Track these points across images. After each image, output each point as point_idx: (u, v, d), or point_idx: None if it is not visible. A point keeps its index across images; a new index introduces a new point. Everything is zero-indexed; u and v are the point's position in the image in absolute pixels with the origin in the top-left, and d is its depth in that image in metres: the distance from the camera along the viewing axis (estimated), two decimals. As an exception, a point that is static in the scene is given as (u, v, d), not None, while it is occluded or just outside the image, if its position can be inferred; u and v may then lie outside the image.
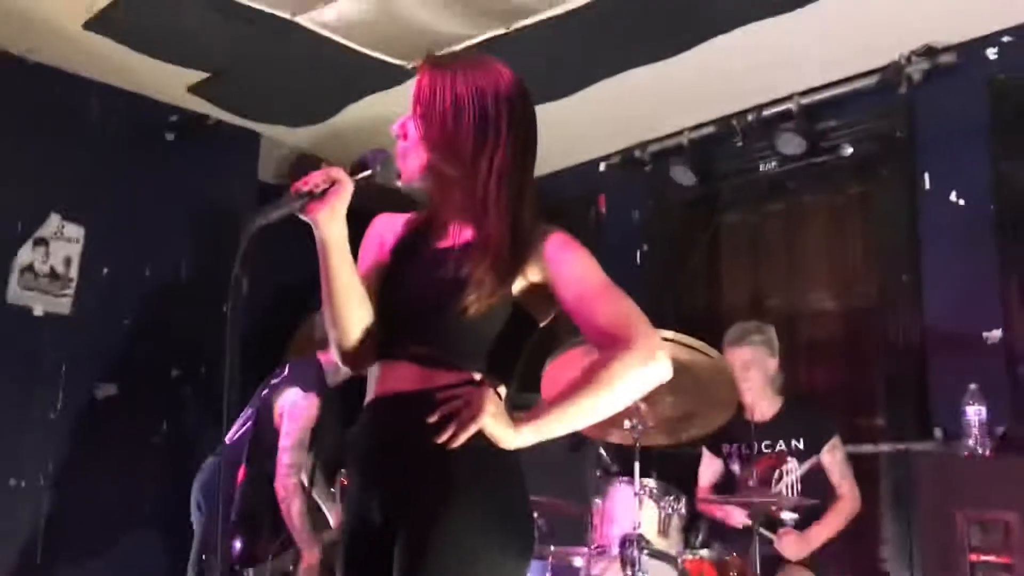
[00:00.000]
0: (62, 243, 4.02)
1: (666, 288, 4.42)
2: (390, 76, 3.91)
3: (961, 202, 3.58)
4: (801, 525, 3.18)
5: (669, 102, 4.14)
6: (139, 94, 4.25)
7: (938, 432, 3.40)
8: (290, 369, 3.44)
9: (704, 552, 3.08)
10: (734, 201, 4.43)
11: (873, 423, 3.82)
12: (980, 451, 2.94)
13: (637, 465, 2.89)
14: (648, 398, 2.78)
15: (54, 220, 4.01)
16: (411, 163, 1.68)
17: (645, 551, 2.80)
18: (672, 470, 3.40)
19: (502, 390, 1.65)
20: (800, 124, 3.91)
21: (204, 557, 3.21)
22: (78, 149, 4.08)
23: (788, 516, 3.14)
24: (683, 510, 3.06)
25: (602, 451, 3.35)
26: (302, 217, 1.59)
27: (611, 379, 1.55)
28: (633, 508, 2.86)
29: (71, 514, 3.90)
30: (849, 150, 3.92)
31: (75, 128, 4.09)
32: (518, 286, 1.64)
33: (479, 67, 1.69)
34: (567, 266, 1.63)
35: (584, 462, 3.50)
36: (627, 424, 2.90)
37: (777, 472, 3.29)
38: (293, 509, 3.20)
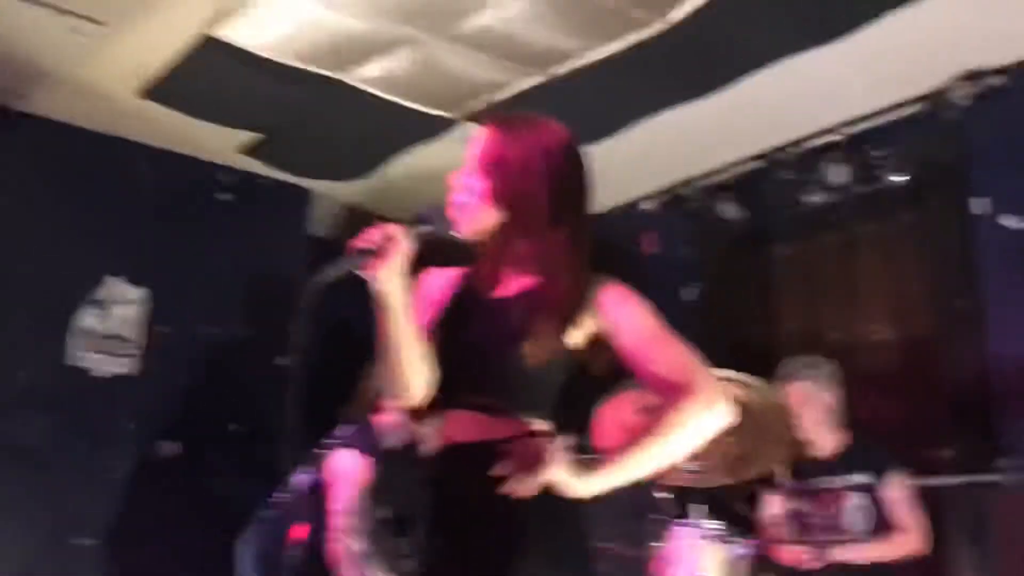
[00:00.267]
0: (121, 305, 4.12)
1: (719, 325, 4.38)
2: (433, 127, 3.97)
3: (1016, 225, 3.51)
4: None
5: (712, 138, 4.14)
6: (192, 157, 4.37)
7: (1007, 462, 3.31)
8: (344, 431, 3.47)
9: (771, 595, 3.02)
10: (784, 234, 4.39)
11: (938, 455, 3.72)
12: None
13: (698, 507, 2.85)
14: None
15: (113, 283, 4.12)
16: (475, 218, 1.71)
17: (710, 595, 2.76)
18: (734, 511, 3.35)
19: (565, 439, 1.65)
20: (847, 154, 3.89)
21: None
22: (135, 212, 4.20)
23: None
24: (747, 552, 3.01)
25: (662, 494, 3.31)
26: (361, 275, 1.61)
27: (673, 427, 1.58)
28: (696, 551, 2.82)
29: (137, 572, 3.94)
30: (898, 178, 3.87)
31: (132, 192, 4.22)
32: (577, 336, 1.66)
33: (538, 126, 1.76)
34: (623, 316, 1.66)
35: (644, 506, 3.46)
36: (686, 465, 2.87)
37: (841, 508, 3.22)
38: (345, 573, 3.20)
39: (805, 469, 3.20)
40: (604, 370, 1.73)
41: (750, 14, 3.19)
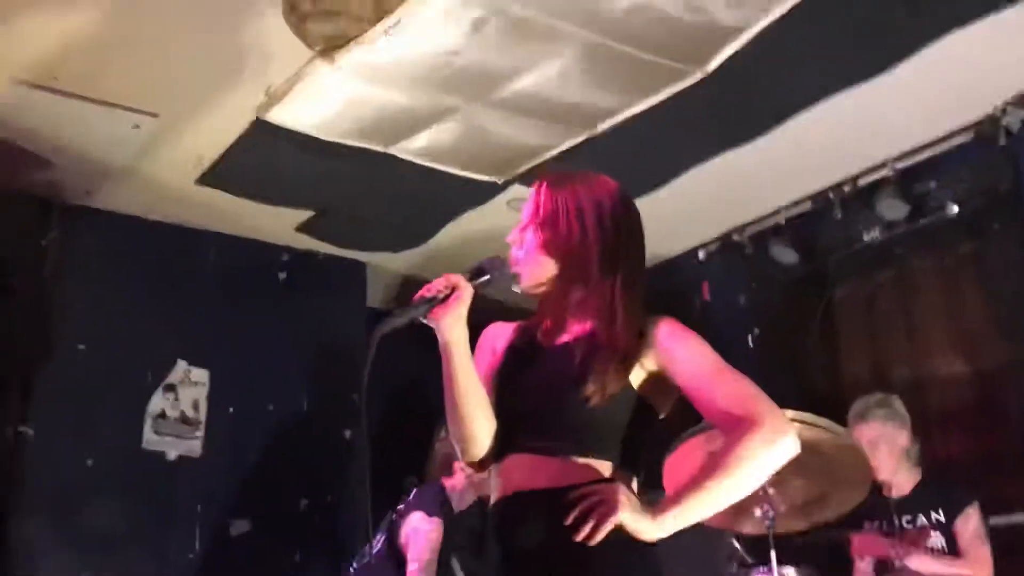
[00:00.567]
0: (189, 388, 4.22)
1: (782, 369, 4.31)
2: (483, 193, 4.04)
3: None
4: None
5: (761, 183, 4.13)
6: (251, 238, 4.49)
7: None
8: (415, 493, 3.48)
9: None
10: (842, 274, 4.33)
11: (1017, 490, 3.59)
12: None
13: (773, 554, 2.78)
14: (777, 482, 2.70)
15: (181, 366, 4.23)
16: (534, 270, 1.77)
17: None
18: (811, 556, 3.25)
19: (634, 483, 1.65)
20: (899, 188, 3.84)
21: None
22: (197, 296, 4.32)
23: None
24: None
25: (735, 542, 3.24)
26: (425, 322, 1.66)
27: (741, 459, 1.56)
28: (775, 600, 2.75)
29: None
30: (954, 209, 3.81)
31: (193, 277, 4.34)
32: (637, 377, 1.68)
33: (591, 180, 1.84)
34: (680, 351, 1.67)
35: (718, 556, 3.38)
36: (758, 512, 2.81)
37: (919, 548, 3.12)
38: None
39: (883, 509, 3.11)
40: (670, 410, 1.74)
41: (788, 56, 3.20)
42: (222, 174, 3.89)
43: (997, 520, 3.24)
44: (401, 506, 3.46)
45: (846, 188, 4.03)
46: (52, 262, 4.06)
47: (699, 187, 4.10)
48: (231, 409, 4.30)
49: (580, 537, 1.51)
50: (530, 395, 1.71)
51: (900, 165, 3.84)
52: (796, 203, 4.25)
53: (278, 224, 4.38)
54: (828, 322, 4.39)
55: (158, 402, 4.14)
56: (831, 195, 4.09)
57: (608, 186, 1.82)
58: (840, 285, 4.36)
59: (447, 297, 1.67)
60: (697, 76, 3.27)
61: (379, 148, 3.69)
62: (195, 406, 4.22)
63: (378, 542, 3.42)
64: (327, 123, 3.50)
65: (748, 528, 2.95)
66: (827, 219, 4.16)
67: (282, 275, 4.60)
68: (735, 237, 4.50)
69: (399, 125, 3.53)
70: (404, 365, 3.38)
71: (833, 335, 4.38)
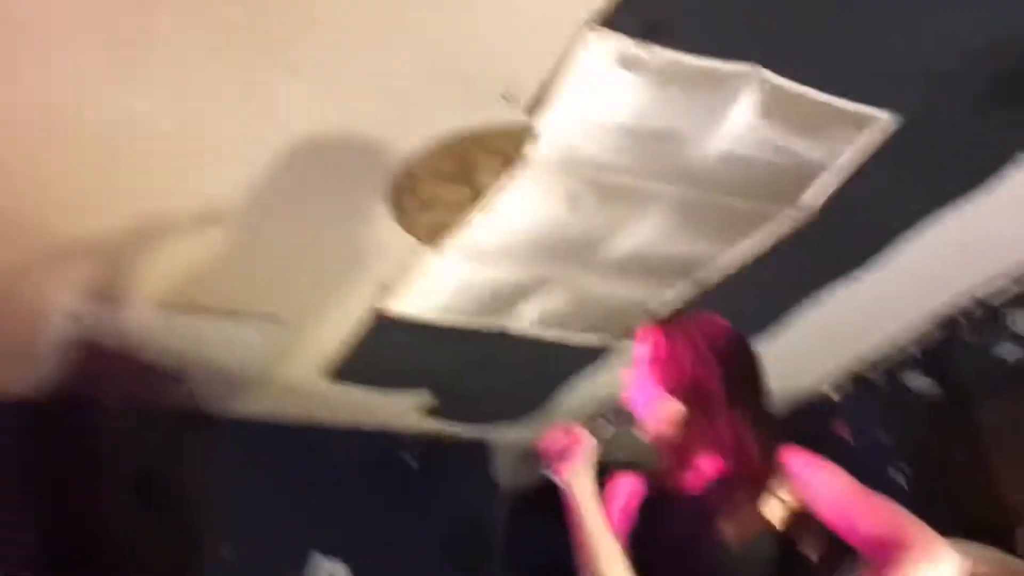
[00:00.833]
0: (328, 582, 4.24)
1: (936, 504, 4.02)
2: (596, 354, 4.06)
3: None
4: None
5: (881, 314, 4.03)
6: (377, 428, 4.59)
7: None
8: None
9: None
10: (984, 396, 4.11)
11: None
12: None
13: None
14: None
15: (317, 559, 4.26)
16: (654, 413, 1.75)
17: None
18: None
19: None
20: (1028, 300, 3.70)
21: None
22: (330, 490, 4.39)
23: None
24: None
25: None
26: (549, 477, 1.67)
27: None
28: None
29: None
30: (1094, 312, 3.63)
31: (325, 471, 4.43)
32: (777, 515, 1.61)
33: (700, 318, 1.90)
34: (816, 482, 1.63)
35: None
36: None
37: None
38: None
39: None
40: (818, 548, 1.67)
41: (886, 181, 3.18)
42: (345, 369, 4.03)
43: None
44: None
45: (971, 307, 3.90)
46: (195, 472, 4.22)
47: (815, 326, 4.02)
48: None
49: None
50: (668, 547, 1.67)
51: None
52: (923, 330, 4.12)
53: (403, 410, 4.47)
54: (978, 448, 4.14)
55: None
56: (959, 317, 3.96)
57: (718, 322, 1.86)
58: (984, 408, 4.13)
59: (568, 448, 1.68)
60: (795, 215, 3.28)
61: (491, 324, 3.78)
62: (336, 600, 4.23)
63: None
64: (439, 307, 3.62)
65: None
66: (959, 341, 4.02)
67: (411, 460, 4.66)
68: (864, 371, 4.38)
69: (507, 300, 3.63)
70: (542, 539, 3.33)
71: (986, 461, 4.11)
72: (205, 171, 2.89)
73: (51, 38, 2.35)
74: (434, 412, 4.54)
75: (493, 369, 4.16)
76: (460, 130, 2.80)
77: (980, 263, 3.75)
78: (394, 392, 4.31)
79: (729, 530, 1.58)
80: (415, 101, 2.68)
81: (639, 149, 2.85)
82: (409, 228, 3.20)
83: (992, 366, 3.97)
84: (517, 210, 3.08)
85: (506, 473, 4.98)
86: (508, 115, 2.73)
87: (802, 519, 1.62)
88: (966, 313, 3.93)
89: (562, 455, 1.67)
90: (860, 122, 2.86)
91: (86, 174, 2.82)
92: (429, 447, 4.69)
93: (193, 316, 3.60)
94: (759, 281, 3.66)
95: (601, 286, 3.60)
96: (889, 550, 1.50)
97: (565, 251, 3.35)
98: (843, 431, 4.57)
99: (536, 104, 2.67)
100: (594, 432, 1.73)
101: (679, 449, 1.77)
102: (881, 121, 2.86)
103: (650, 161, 2.92)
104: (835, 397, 4.57)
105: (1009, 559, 2.64)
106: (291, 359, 3.98)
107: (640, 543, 1.72)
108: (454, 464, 4.73)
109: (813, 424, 4.55)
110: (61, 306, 3.41)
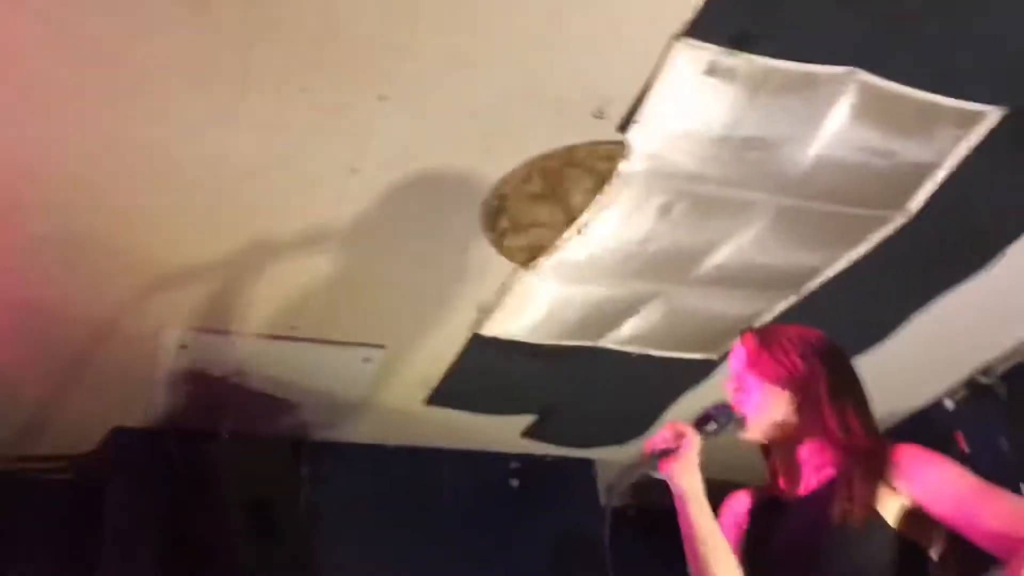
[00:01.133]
0: (436, 606, 4.26)
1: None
2: (699, 371, 4.00)
3: None
4: None
5: (995, 317, 3.86)
6: (480, 451, 4.62)
7: None
8: None
9: None
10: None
11: None
12: None
13: None
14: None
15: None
16: (765, 407, 1.78)
17: None
18: None
19: None
20: None
21: None
22: (436, 513, 4.43)
23: None
24: None
25: None
26: (656, 476, 1.67)
27: None
28: None
29: None
30: None
31: (430, 494, 4.47)
32: (892, 511, 1.58)
33: (793, 326, 1.94)
34: (931, 479, 1.59)
35: None
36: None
37: None
38: None
39: None
40: (938, 547, 1.62)
41: (994, 179, 3.05)
42: (447, 392, 4.07)
43: None
44: None
45: (1096, 305, 3.71)
46: (306, 499, 4.31)
47: (928, 332, 3.88)
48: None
49: None
50: (780, 548, 1.66)
51: None
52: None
53: (504, 432, 4.49)
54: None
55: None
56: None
57: (811, 330, 1.87)
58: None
59: (676, 447, 1.68)
60: (899, 220, 3.18)
61: (589, 343, 3.77)
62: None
63: None
64: (537, 327, 3.63)
65: None
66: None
67: (514, 482, 4.66)
68: (983, 379, 4.20)
69: (605, 317, 3.61)
70: (649, 558, 3.31)
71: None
72: (304, 203, 2.97)
73: (155, 85, 2.47)
74: (537, 434, 4.54)
75: (596, 391, 4.13)
76: (552, 150, 2.81)
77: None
78: (495, 415, 4.33)
79: (841, 508, 1.56)
80: (507, 125, 2.71)
81: (733, 158, 2.81)
82: (505, 250, 3.22)
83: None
84: (611, 227, 3.07)
85: (612, 494, 4.94)
86: (599, 132, 2.73)
87: (919, 517, 1.58)
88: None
89: (670, 453, 1.69)
90: (963, 119, 2.76)
91: (190, 210, 2.94)
92: (532, 469, 4.69)
93: (298, 344, 3.69)
94: (866, 291, 3.55)
95: (700, 300, 3.54)
96: (1016, 544, 1.44)
97: (663, 266, 3.32)
98: (962, 442, 4.39)
99: (627, 119, 2.67)
100: (699, 429, 1.75)
101: (788, 441, 1.77)
102: (985, 116, 2.76)
103: (745, 170, 2.87)
104: (950, 407, 4.39)
105: None
106: (393, 384, 4.03)
107: (753, 547, 1.73)
108: (558, 485, 4.72)
109: (930, 437, 4.39)
110: (171, 339, 3.54)
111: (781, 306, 3.62)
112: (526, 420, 4.42)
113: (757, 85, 2.55)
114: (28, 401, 3.78)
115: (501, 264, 3.29)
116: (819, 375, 1.76)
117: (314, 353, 3.75)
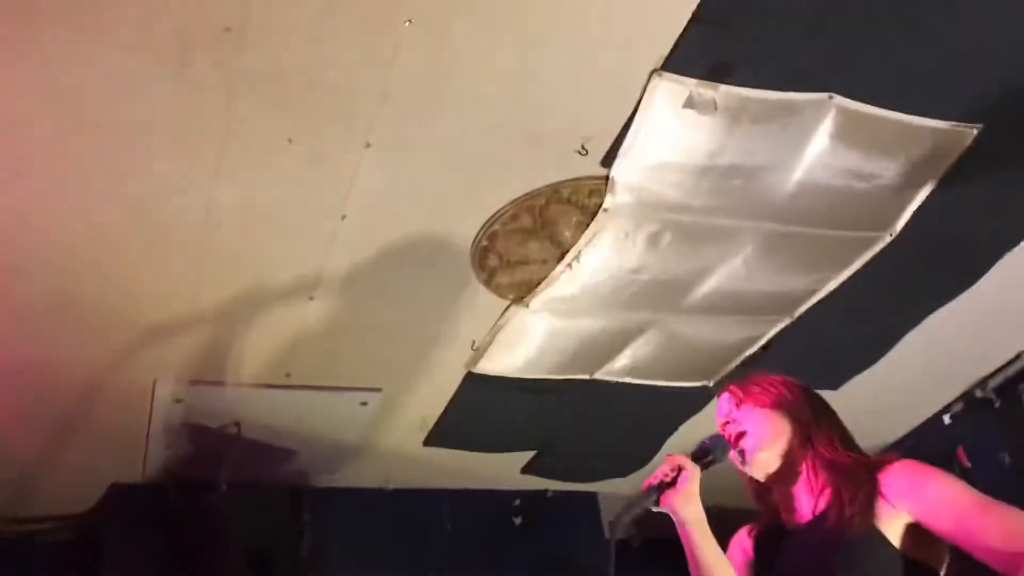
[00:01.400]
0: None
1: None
2: (696, 399, 3.99)
3: None
4: None
5: (989, 331, 3.88)
6: (480, 489, 4.59)
7: None
8: None
9: None
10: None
11: None
12: None
13: None
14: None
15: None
16: (765, 433, 1.81)
17: None
18: None
19: None
20: None
21: None
22: (438, 553, 4.41)
23: None
24: None
25: None
26: (656, 509, 1.68)
27: None
28: None
29: None
30: None
31: (432, 535, 4.45)
32: (896, 530, 1.57)
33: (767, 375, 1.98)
34: (929, 491, 1.58)
35: None
36: None
37: None
38: None
39: None
40: (941, 563, 1.61)
41: (976, 195, 3.07)
42: (445, 432, 4.06)
43: None
44: None
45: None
46: (308, 545, 4.28)
47: (922, 349, 3.89)
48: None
49: None
50: (785, 570, 1.67)
51: None
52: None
53: (504, 469, 4.47)
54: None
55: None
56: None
57: (781, 375, 1.95)
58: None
59: (675, 480, 1.69)
60: (885, 240, 3.19)
61: (584, 376, 3.76)
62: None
63: None
64: (531, 363, 3.62)
65: None
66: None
67: (516, 519, 4.64)
68: (978, 393, 4.20)
69: (599, 350, 3.61)
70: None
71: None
72: (293, 251, 2.97)
73: (138, 142, 2.48)
74: (537, 470, 4.52)
75: (594, 423, 4.12)
76: (537, 188, 2.82)
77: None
78: (494, 452, 4.31)
79: (838, 515, 1.59)
80: (491, 165, 2.73)
81: (717, 187, 2.83)
82: (495, 288, 3.23)
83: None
84: (601, 259, 3.08)
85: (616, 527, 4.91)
86: (583, 168, 2.75)
87: (922, 535, 1.57)
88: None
89: (669, 487, 1.71)
90: (941, 138, 2.78)
91: (178, 264, 2.94)
92: (534, 504, 4.66)
93: (294, 392, 3.68)
94: (857, 311, 3.56)
95: (693, 328, 3.55)
96: (1019, 559, 1.43)
97: (654, 296, 3.32)
98: (962, 457, 4.38)
99: (610, 154, 2.69)
100: (697, 461, 1.77)
101: (781, 484, 1.79)
102: (962, 135, 2.78)
103: (730, 198, 2.89)
104: (949, 421, 4.39)
105: None
106: (391, 427, 4.02)
107: (761, 574, 1.74)
108: (561, 520, 4.69)
109: (931, 452, 4.38)
110: (165, 393, 3.53)
111: (775, 330, 3.62)
112: (526, 456, 4.40)
113: (737, 115, 2.57)
114: (24, 462, 3.76)
115: (493, 302, 3.30)
116: (802, 401, 1.83)
117: (310, 399, 3.74)
